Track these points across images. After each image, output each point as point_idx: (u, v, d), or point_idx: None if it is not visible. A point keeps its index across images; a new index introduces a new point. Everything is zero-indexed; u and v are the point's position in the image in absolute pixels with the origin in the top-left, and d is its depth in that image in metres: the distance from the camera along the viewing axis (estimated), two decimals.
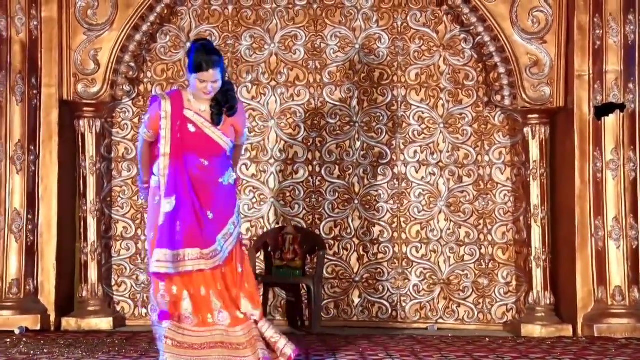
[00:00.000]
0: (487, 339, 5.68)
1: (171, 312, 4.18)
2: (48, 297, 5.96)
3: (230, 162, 4.40)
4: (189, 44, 5.02)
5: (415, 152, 6.45)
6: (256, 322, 4.29)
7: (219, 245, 4.19)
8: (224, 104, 4.28)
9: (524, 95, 6.07)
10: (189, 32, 6.43)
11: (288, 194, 6.42)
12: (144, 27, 6.22)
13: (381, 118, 6.46)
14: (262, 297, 6.04)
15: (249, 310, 4.27)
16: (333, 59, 6.46)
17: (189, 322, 4.22)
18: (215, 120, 4.30)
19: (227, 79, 4.36)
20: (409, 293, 6.37)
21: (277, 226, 6.31)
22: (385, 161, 6.43)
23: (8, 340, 5.38)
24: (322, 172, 6.43)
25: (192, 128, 4.26)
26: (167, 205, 4.16)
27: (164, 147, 4.23)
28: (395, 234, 6.39)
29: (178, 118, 4.20)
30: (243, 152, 5.93)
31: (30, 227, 5.95)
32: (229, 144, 4.31)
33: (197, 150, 4.24)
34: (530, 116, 6.17)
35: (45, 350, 4.90)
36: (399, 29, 6.44)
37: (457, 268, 6.39)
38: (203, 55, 4.21)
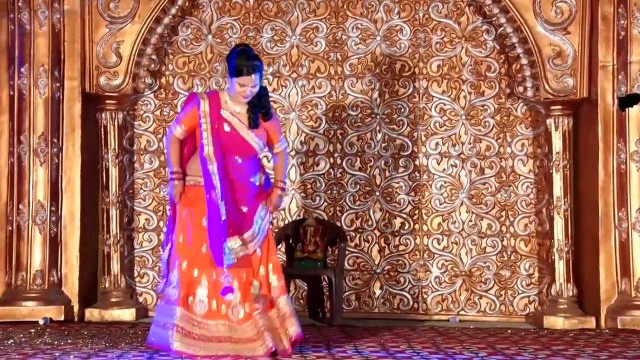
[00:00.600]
0: (509, 331, 5.66)
1: (183, 295, 4.30)
2: (71, 288, 6.00)
3: (260, 164, 4.56)
4: (228, 51, 5.06)
5: (437, 144, 6.42)
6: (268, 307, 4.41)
7: (256, 226, 4.39)
8: (259, 108, 4.44)
9: (546, 87, 6.03)
10: (210, 24, 6.42)
11: (309, 186, 6.42)
12: (166, 20, 6.23)
13: (402, 110, 6.44)
14: None
15: (274, 282, 4.43)
16: (354, 51, 6.44)
17: (201, 307, 4.32)
18: (252, 124, 4.45)
19: (263, 85, 4.50)
20: (430, 285, 6.36)
21: (298, 218, 6.30)
22: (406, 153, 6.42)
23: (32, 330, 5.43)
24: (343, 164, 6.42)
25: (227, 127, 4.42)
26: (222, 206, 4.33)
27: (207, 147, 4.38)
28: (417, 226, 6.38)
29: (216, 118, 4.33)
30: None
31: (53, 218, 5.98)
32: (260, 145, 4.47)
33: (231, 149, 4.39)
34: (553, 107, 6.13)
35: (69, 341, 4.93)
36: (421, 20, 6.42)
37: (479, 260, 6.36)
38: (244, 60, 4.36)
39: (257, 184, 4.46)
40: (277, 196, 4.57)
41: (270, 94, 6.11)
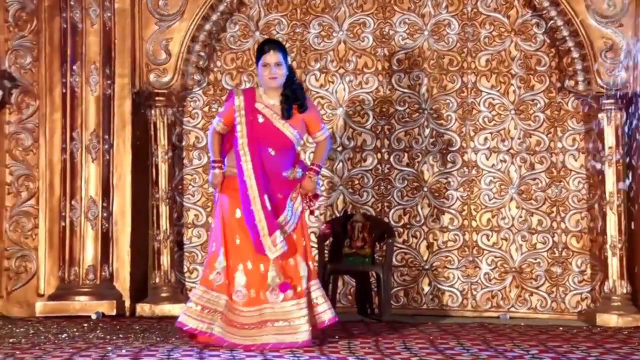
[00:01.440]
0: (561, 329, 5.59)
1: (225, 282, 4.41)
2: (123, 283, 6.05)
3: (295, 159, 4.64)
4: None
5: (486, 139, 6.36)
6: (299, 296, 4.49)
7: (289, 211, 4.48)
8: (293, 100, 4.53)
9: (598, 80, 5.95)
10: (258, 20, 6.42)
11: (357, 182, 6.39)
12: (214, 17, 6.25)
13: (450, 105, 6.38)
14: (331, 284, 6.03)
15: (302, 271, 4.51)
16: (402, 46, 6.40)
17: (240, 296, 4.44)
18: (285, 114, 4.53)
19: (297, 80, 4.61)
20: (479, 281, 6.29)
21: (346, 214, 6.28)
22: (454, 148, 6.36)
23: (85, 325, 5.50)
24: (391, 159, 6.39)
25: (261, 119, 4.52)
26: (268, 203, 4.46)
27: (242, 139, 4.49)
28: (465, 222, 6.32)
29: (250, 111, 4.42)
30: (311, 141, 5.79)
31: (105, 214, 6.04)
32: (296, 136, 4.52)
33: (265, 140, 4.46)
34: (605, 102, 6.02)
35: (121, 335, 4.98)
36: (469, 14, 6.35)
37: (530, 256, 6.29)
38: (265, 42, 4.64)
39: (291, 178, 4.55)
40: (309, 179, 4.60)
41: (317, 90, 6.33)
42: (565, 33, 6.09)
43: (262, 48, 4.52)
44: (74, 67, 6.05)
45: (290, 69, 4.58)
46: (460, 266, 6.31)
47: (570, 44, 6.07)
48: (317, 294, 4.54)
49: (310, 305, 4.52)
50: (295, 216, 4.57)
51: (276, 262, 4.47)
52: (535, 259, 6.28)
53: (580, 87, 6.10)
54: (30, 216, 6.15)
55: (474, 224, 6.33)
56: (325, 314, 4.53)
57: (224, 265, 4.49)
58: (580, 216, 6.26)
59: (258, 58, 4.54)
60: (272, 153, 4.47)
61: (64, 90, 6.09)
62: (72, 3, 6.03)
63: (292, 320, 4.44)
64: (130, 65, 6.11)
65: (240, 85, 6.38)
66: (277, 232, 4.44)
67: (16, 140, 6.18)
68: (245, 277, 4.47)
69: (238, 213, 4.48)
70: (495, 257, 6.30)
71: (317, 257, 5.92)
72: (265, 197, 4.45)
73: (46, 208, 6.08)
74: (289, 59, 4.62)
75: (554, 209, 6.28)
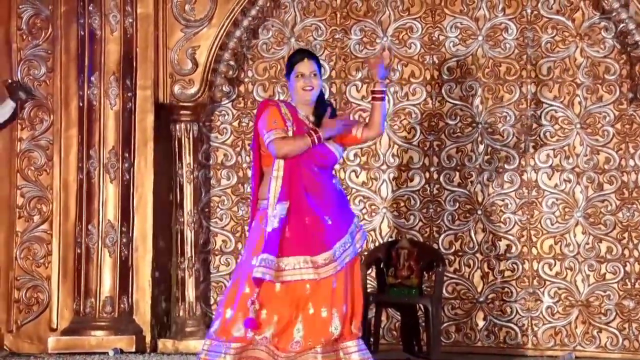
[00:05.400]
0: None
1: (258, 322, 4.05)
2: (143, 316, 5.90)
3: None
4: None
5: (548, 156, 6.12)
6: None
7: (336, 252, 4.15)
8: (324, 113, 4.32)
9: None
10: (293, 26, 6.26)
11: (402, 204, 6.20)
12: (245, 22, 6.12)
13: (508, 118, 6.16)
14: (374, 318, 5.87)
15: (334, 328, 4.11)
16: (453, 53, 6.19)
17: (264, 342, 4.07)
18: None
19: (327, 100, 4.46)
20: (541, 316, 6.05)
21: (390, 240, 6.12)
22: (512, 166, 6.14)
23: None
24: (441, 179, 6.19)
25: None
26: (282, 209, 4.13)
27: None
28: (525, 249, 6.08)
29: (295, 122, 4.25)
30: (352, 159, 6.06)
31: (124, 240, 5.90)
32: (340, 152, 4.32)
33: (309, 158, 4.24)
34: None
35: None
36: (529, 17, 6.13)
37: (598, 288, 6.01)
38: (299, 51, 4.44)
39: (339, 189, 4.29)
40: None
41: (359, 102, 6.15)
42: (637, 37, 5.87)
43: (295, 57, 4.33)
44: (92, 79, 5.95)
45: (320, 71, 4.39)
46: (519, 299, 6.08)
47: None
48: (357, 357, 4.12)
49: None
50: (341, 262, 4.14)
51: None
52: (605, 291, 6.02)
53: None
54: (42, 242, 6.07)
55: (534, 251, 6.09)
56: None
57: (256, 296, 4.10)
58: None
59: (289, 69, 4.32)
60: (315, 169, 4.25)
61: (81, 104, 5.97)
62: (90, 8, 5.94)
63: None
64: (153, 76, 6.01)
65: (273, 97, 6.21)
66: (263, 256, 4.07)
67: (28, 158, 6.12)
68: (276, 328, 4.09)
69: (255, 260, 4.10)
70: (559, 288, 6.06)
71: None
72: (282, 207, 4.12)
73: (60, 233, 5.97)
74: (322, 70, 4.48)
75: (626, 234, 6.01)
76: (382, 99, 4.22)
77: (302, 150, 4.15)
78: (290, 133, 4.18)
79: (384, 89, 4.23)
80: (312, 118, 4.25)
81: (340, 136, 4.25)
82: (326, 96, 4.54)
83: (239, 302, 4.07)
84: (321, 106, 4.29)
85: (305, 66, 4.26)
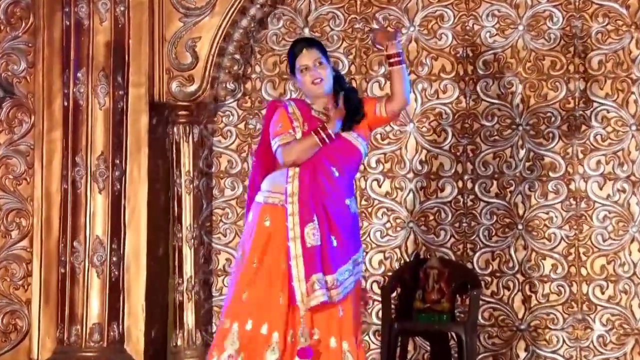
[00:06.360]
0: None
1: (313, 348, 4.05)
2: (136, 345, 5.63)
3: (355, 187, 4.47)
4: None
5: (599, 162, 5.82)
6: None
7: (340, 276, 4.14)
8: (350, 106, 4.22)
9: None
10: (307, 15, 5.97)
11: (431, 217, 5.91)
12: (252, 11, 5.83)
13: (552, 119, 5.86)
14: (399, 348, 5.60)
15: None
16: (489, 45, 5.89)
17: None
18: (348, 124, 4.17)
19: (347, 83, 4.41)
20: (591, 346, 5.76)
21: (417, 258, 5.84)
22: (558, 174, 5.84)
23: None
24: (476, 188, 5.89)
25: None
26: (312, 237, 4.08)
27: None
28: (572, 269, 5.80)
29: (308, 119, 4.21)
30: (374, 165, 5.84)
31: (114, 258, 5.61)
32: (365, 148, 4.23)
33: (328, 156, 4.15)
34: None
35: None
36: (577, 4, 5.84)
37: None
38: (299, 41, 4.37)
39: (352, 211, 4.20)
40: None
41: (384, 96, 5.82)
42: None
43: (293, 51, 4.25)
44: (79, 75, 5.66)
45: (335, 71, 4.33)
46: (567, 326, 5.80)
47: None
48: None
49: None
50: (348, 287, 4.10)
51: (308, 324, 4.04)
52: None
53: None
54: (21, 261, 5.82)
55: (583, 271, 5.80)
56: None
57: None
58: None
59: (292, 66, 4.25)
60: (336, 174, 4.13)
61: (66, 103, 5.69)
62: None
63: None
64: (148, 71, 5.70)
65: (284, 96, 5.99)
66: (316, 277, 4.06)
67: (5, 165, 5.87)
68: (238, 341, 4.04)
69: (255, 262, 4.11)
70: (612, 314, 5.79)
71: (380, 315, 5.54)
72: (310, 229, 4.08)
73: (41, 251, 5.69)
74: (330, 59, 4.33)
75: None
76: (400, 62, 4.08)
77: (312, 152, 4.07)
78: (298, 135, 4.10)
79: (400, 50, 4.08)
80: (333, 109, 4.14)
81: (363, 122, 4.17)
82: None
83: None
84: (344, 93, 4.14)
85: (306, 57, 4.17)
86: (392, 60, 4.07)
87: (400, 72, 4.06)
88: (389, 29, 4.15)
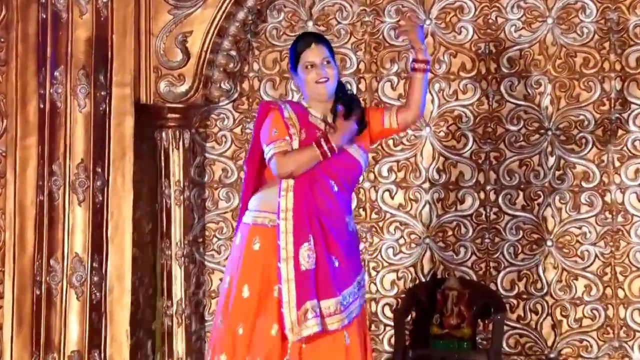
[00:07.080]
0: None
1: None
2: None
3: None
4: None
5: (637, 171, 5.66)
6: None
7: (344, 300, 4.03)
8: (350, 113, 4.07)
9: None
10: (311, 6, 5.77)
11: (450, 232, 5.76)
12: (250, 2, 5.64)
13: (585, 123, 5.67)
14: None
15: None
16: (514, 40, 5.68)
17: None
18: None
19: (348, 89, 4.36)
20: None
21: (435, 278, 5.70)
22: (592, 185, 5.68)
23: None
24: (500, 200, 5.72)
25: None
26: (306, 259, 3.91)
27: None
28: (608, 291, 5.63)
29: (305, 126, 4.07)
30: (385, 174, 5.65)
31: (96, 278, 5.44)
32: (365, 159, 4.11)
33: (326, 169, 4.02)
34: None
35: None
36: None
37: None
38: (303, 36, 4.22)
39: (350, 228, 4.08)
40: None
41: (394, 102, 5.61)
42: None
43: (299, 44, 4.08)
44: (56, 74, 5.51)
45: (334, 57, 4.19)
46: (602, 355, 5.67)
47: None
48: None
49: None
50: (353, 312, 3.95)
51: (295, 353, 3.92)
52: None
53: None
54: None
55: (620, 293, 5.65)
56: None
57: None
58: None
59: (294, 61, 4.06)
60: (335, 189, 4.00)
61: (42, 105, 5.52)
62: None
63: None
64: (134, 70, 5.54)
65: (285, 97, 5.80)
66: (310, 304, 3.91)
67: None
68: None
69: (246, 292, 3.92)
70: None
71: (393, 342, 5.40)
72: (305, 251, 3.92)
73: (14, 270, 5.50)
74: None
75: None
76: (426, 70, 3.98)
77: (310, 166, 3.89)
78: (295, 143, 3.91)
79: (429, 57, 3.99)
80: (329, 119, 4.00)
81: (364, 132, 4.02)
82: (354, 92, 4.22)
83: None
84: (343, 100, 3.97)
85: (314, 53, 4.00)
86: (418, 66, 3.97)
87: (423, 81, 3.99)
88: (414, 19, 3.99)
